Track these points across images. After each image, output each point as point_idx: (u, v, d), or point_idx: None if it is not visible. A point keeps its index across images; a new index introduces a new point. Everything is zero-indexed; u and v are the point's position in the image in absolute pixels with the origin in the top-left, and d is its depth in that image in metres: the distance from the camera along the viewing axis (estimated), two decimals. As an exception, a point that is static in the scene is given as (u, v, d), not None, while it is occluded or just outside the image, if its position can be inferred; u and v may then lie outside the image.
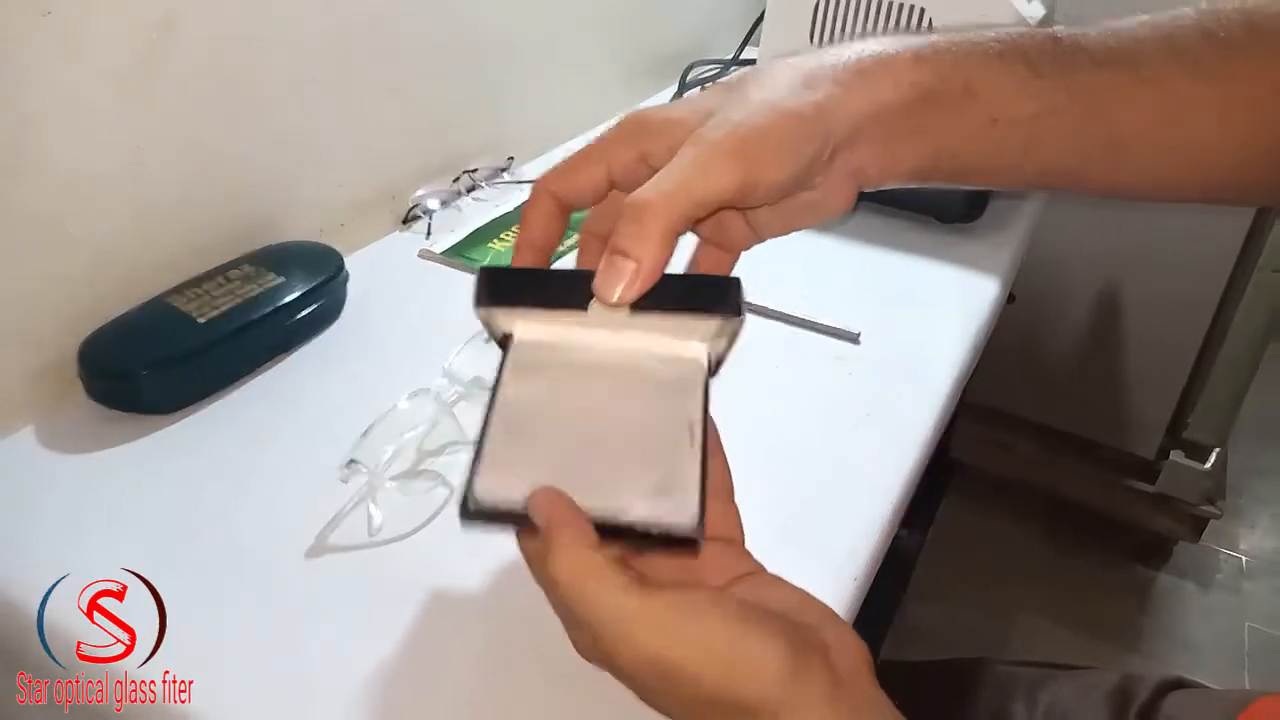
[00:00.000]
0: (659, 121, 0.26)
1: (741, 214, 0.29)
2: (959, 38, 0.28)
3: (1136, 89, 0.28)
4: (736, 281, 0.25)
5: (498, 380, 0.26)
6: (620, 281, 0.23)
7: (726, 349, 0.26)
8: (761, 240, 0.30)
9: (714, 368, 0.27)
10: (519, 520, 0.23)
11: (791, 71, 0.26)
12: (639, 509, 0.23)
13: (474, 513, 0.23)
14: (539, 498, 0.23)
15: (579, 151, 0.27)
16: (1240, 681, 1.07)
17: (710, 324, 0.25)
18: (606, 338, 0.26)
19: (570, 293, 0.25)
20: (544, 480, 0.23)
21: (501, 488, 0.23)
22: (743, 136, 0.24)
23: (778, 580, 0.26)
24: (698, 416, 0.25)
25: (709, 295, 0.25)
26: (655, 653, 0.21)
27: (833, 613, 0.25)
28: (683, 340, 0.26)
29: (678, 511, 0.23)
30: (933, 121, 0.27)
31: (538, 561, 0.23)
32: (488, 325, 0.27)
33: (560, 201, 0.27)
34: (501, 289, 0.26)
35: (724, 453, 0.26)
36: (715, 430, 0.25)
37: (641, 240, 0.23)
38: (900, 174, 0.28)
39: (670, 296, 0.24)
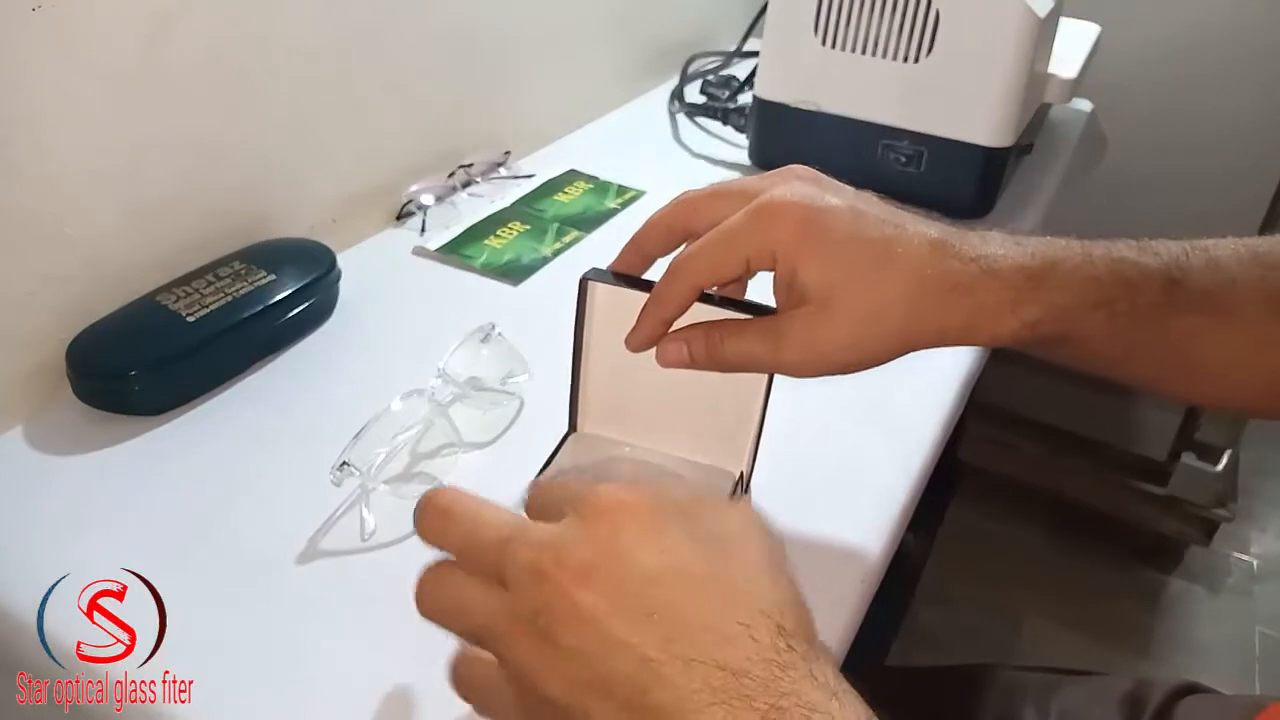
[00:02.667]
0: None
1: None
2: (1077, 267, 0.30)
3: (1222, 331, 0.30)
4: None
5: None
6: None
7: None
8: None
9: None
10: None
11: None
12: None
13: None
14: None
15: (718, 239, 0.30)
16: (1251, 686, 1.06)
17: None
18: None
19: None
20: None
21: None
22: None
23: None
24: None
25: (753, 307, 0.32)
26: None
27: None
28: None
29: None
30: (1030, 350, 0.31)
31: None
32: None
33: (701, 289, 0.31)
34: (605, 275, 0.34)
35: None
36: None
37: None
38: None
39: (727, 303, 0.32)
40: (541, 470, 0.36)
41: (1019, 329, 0.29)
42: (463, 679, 0.24)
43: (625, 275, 0.33)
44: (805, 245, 0.29)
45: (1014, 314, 0.29)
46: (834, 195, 0.30)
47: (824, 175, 0.31)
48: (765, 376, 0.34)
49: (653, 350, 0.32)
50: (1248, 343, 0.30)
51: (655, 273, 0.33)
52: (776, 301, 0.31)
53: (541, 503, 0.24)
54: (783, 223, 0.29)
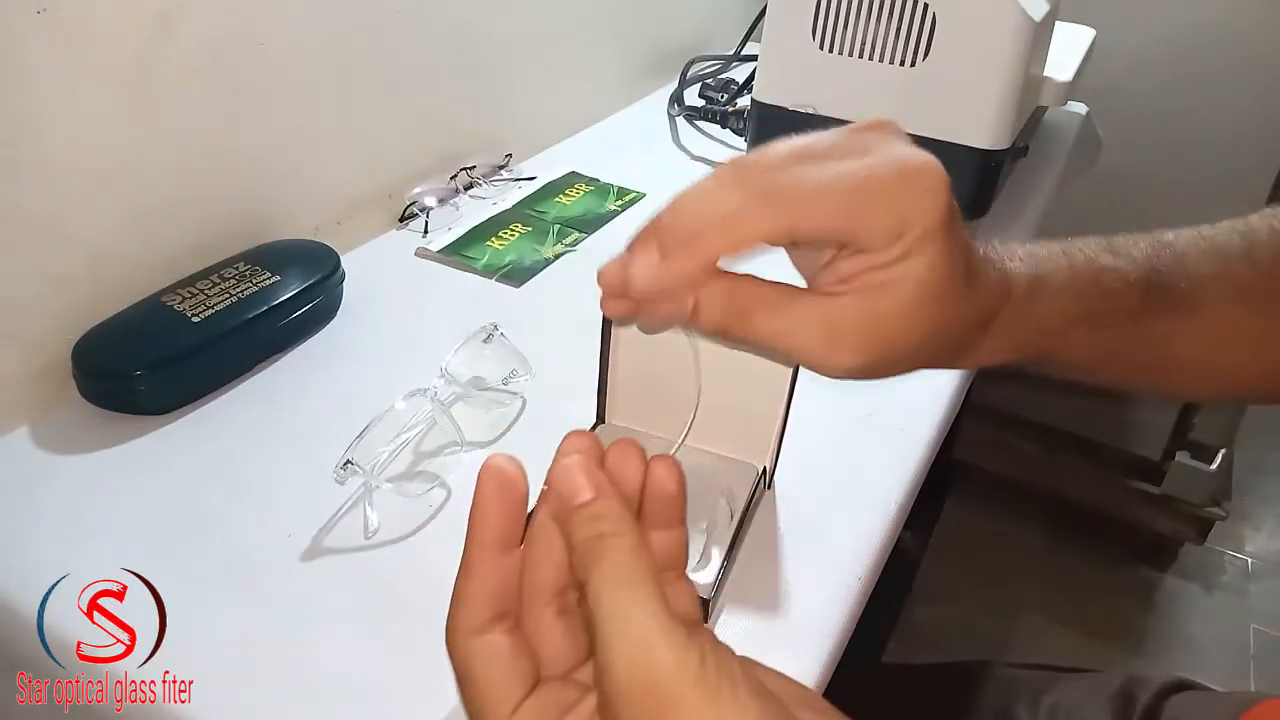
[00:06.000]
0: None
1: None
2: (1063, 285, 0.29)
3: (1195, 329, 0.31)
4: None
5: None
6: None
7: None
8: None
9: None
10: None
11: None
12: None
13: None
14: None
15: (852, 183, 0.22)
16: (1245, 684, 1.06)
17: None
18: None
19: None
20: None
21: None
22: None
23: (753, 663, 0.22)
24: (741, 503, 0.34)
25: None
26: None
27: (825, 704, 0.22)
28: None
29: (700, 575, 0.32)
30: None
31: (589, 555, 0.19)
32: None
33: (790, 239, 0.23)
34: None
35: (685, 525, 0.23)
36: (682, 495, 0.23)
37: None
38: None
39: None
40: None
41: (1006, 352, 0.28)
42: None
43: None
44: (946, 228, 0.23)
45: (1008, 337, 0.28)
46: None
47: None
48: (790, 372, 0.34)
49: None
50: (1220, 338, 0.31)
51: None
52: (836, 270, 0.24)
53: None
54: (934, 196, 0.22)
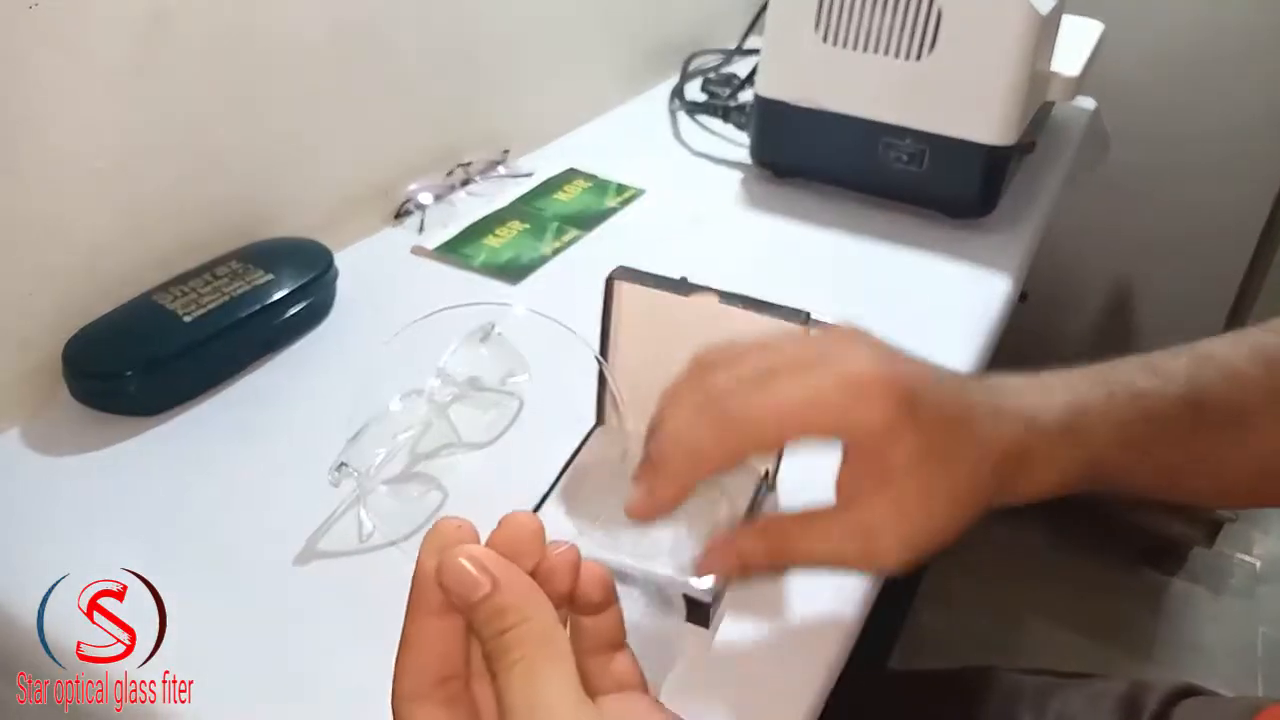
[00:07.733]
0: None
1: None
2: (1104, 412, 0.30)
3: (1244, 437, 0.31)
4: (807, 313, 0.32)
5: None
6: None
7: None
8: None
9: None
10: None
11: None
12: (666, 569, 0.31)
13: None
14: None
15: (802, 402, 0.27)
16: (1253, 688, 1.05)
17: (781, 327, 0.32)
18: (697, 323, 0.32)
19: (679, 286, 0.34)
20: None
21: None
22: None
23: None
24: (743, 505, 0.34)
25: (785, 311, 0.32)
26: None
27: None
28: None
29: (702, 581, 0.31)
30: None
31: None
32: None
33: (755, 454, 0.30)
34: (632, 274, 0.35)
35: (618, 602, 0.24)
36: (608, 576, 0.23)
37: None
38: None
39: (755, 303, 0.33)
40: (568, 463, 0.36)
41: (1057, 484, 0.29)
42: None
43: (652, 274, 0.34)
44: (895, 426, 0.26)
45: (1053, 469, 0.29)
46: (900, 361, 0.28)
47: (863, 331, 0.29)
48: None
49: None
50: (1267, 459, 0.31)
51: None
52: (844, 482, 0.28)
53: None
54: (872, 405, 0.26)
